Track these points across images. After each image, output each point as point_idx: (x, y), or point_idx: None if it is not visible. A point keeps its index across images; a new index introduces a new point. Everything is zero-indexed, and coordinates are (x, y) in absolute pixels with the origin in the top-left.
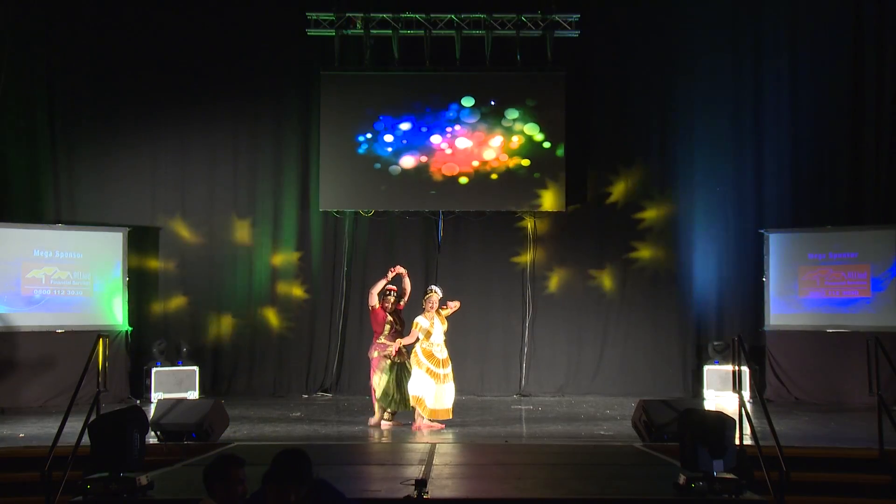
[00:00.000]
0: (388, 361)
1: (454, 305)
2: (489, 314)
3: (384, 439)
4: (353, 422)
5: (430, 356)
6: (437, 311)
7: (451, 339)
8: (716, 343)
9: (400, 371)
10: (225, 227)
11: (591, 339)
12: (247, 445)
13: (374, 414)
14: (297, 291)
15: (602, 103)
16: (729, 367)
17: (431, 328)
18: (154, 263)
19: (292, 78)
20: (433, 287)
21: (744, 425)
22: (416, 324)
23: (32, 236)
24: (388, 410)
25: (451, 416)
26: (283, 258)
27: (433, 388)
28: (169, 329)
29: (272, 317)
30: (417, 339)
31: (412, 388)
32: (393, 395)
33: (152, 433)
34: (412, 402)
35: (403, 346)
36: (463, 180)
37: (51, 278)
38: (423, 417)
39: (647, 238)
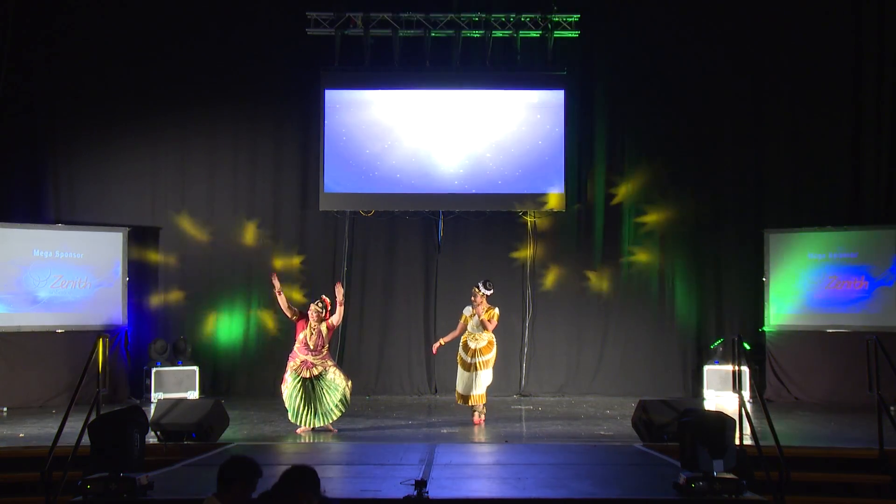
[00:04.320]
0: (294, 374)
1: (486, 324)
2: None
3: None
4: (353, 421)
5: (464, 346)
6: (476, 307)
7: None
8: (715, 344)
9: (309, 385)
10: (225, 228)
11: (591, 339)
12: (247, 445)
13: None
14: (297, 291)
15: (602, 103)
16: (729, 367)
17: (470, 317)
18: (154, 264)
19: (292, 77)
20: (479, 283)
21: (744, 425)
22: (462, 314)
23: (32, 236)
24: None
25: (478, 402)
26: (283, 258)
27: (463, 375)
28: (169, 329)
29: (272, 317)
30: (465, 330)
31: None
32: (297, 409)
33: (152, 433)
34: (470, 402)
35: (443, 342)
36: (463, 180)
37: (50, 278)
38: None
39: (648, 238)
